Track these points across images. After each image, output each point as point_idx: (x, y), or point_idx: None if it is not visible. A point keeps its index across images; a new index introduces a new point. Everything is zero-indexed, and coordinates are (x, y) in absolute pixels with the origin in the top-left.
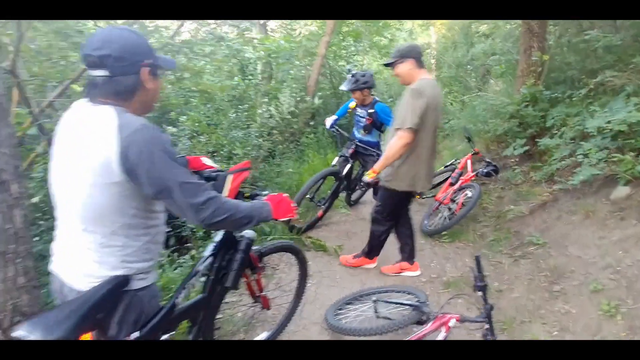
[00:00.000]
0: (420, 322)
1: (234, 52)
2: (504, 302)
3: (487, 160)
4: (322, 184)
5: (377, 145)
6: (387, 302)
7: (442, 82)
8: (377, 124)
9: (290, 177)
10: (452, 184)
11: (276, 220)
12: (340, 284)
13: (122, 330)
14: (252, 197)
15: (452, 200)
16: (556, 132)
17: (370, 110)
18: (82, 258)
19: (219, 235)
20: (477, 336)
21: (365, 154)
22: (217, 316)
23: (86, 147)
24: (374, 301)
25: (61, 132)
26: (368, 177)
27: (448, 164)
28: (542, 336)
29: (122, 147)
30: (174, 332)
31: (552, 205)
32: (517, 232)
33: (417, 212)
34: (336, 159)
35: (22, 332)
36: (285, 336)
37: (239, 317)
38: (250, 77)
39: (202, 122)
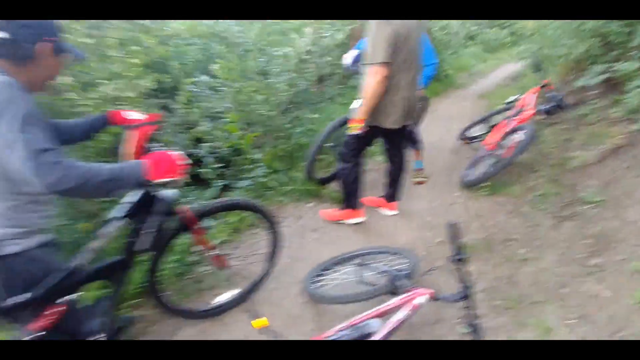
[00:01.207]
0: (395, 293)
1: None
2: (523, 275)
3: (552, 93)
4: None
5: None
6: (371, 266)
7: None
8: None
9: (315, 123)
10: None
11: (154, 180)
12: (341, 241)
13: (6, 294)
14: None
15: (500, 145)
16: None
17: None
18: None
19: (133, 196)
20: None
21: None
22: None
23: None
24: (358, 265)
25: None
26: (353, 129)
27: (509, 100)
28: (552, 323)
29: None
30: (81, 293)
31: (627, 151)
32: (573, 185)
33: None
34: (356, 102)
35: None
36: (263, 294)
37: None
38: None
39: (232, 69)
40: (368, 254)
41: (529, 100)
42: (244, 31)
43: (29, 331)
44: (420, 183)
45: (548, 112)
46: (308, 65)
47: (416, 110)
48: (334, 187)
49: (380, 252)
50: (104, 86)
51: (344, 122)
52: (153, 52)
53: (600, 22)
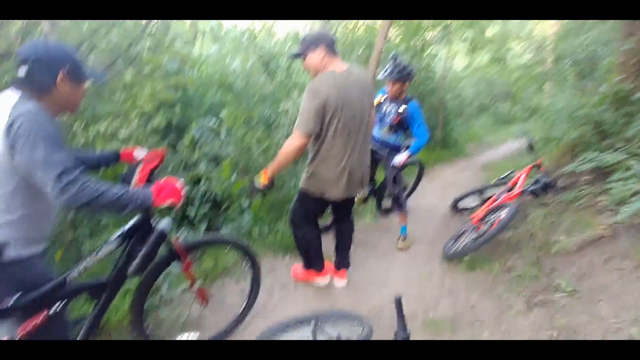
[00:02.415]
0: None
1: (255, 47)
2: None
3: (542, 175)
4: None
5: (397, 148)
6: (326, 331)
7: (538, 80)
8: (405, 125)
9: None
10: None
11: (157, 206)
12: (308, 301)
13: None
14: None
15: (483, 221)
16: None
17: (402, 108)
18: None
19: (130, 222)
20: None
21: (383, 157)
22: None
23: None
24: (314, 328)
25: None
26: (259, 181)
27: (503, 175)
28: None
29: (8, 124)
30: (65, 303)
31: (608, 243)
32: (552, 270)
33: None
34: None
35: None
36: None
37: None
38: (276, 72)
39: (238, 117)
40: (329, 317)
41: (519, 179)
42: (253, 84)
43: (14, 334)
44: (402, 249)
45: (534, 193)
46: None
47: (367, 179)
48: None
49: (341, 317)
50: (104, 123)
51: None
52: (159, 96)
53: (595, 109)
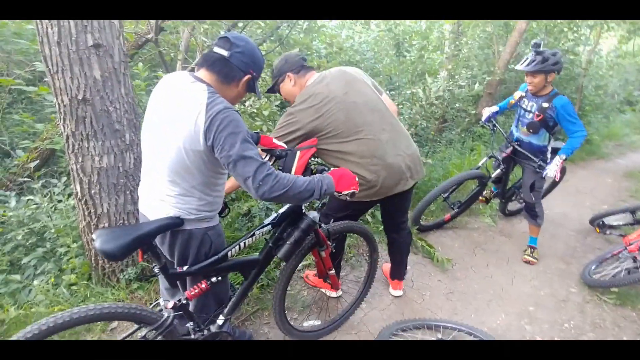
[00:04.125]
0: None
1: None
2: None
3: None
4: (461, 185)
5: (541, 151)
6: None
7: None
8: (549, 124)
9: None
10: None
11: (339, 193)
12: (426, 303)
13: (181, 262)
14: (318, 172)
15: None
16: None
17: (545, 104)
18: (165, 202)
19: (283, 208)
20: None
21: (524, 159)
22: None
23: (180, 115)
24: (439, 339)
25: (158, 95)
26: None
27: None
28: None
29: (207, 123)
30: (220, 277)
31: None
32: None
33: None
34: (484, 159)
35: (93, 236)
36: (335, 334)
37: (308, 298)
38: (406, 53)
39: None
40: (453, 329)
41: None
42: (379, 61)
43: (184, 296)
44: (529, 262)
45: None
46: (434, 109)
47: (416, 166)
48: (436, 239)
49: (468, 332)
50: (247, 102)
51: (463, 181)
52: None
53: None
